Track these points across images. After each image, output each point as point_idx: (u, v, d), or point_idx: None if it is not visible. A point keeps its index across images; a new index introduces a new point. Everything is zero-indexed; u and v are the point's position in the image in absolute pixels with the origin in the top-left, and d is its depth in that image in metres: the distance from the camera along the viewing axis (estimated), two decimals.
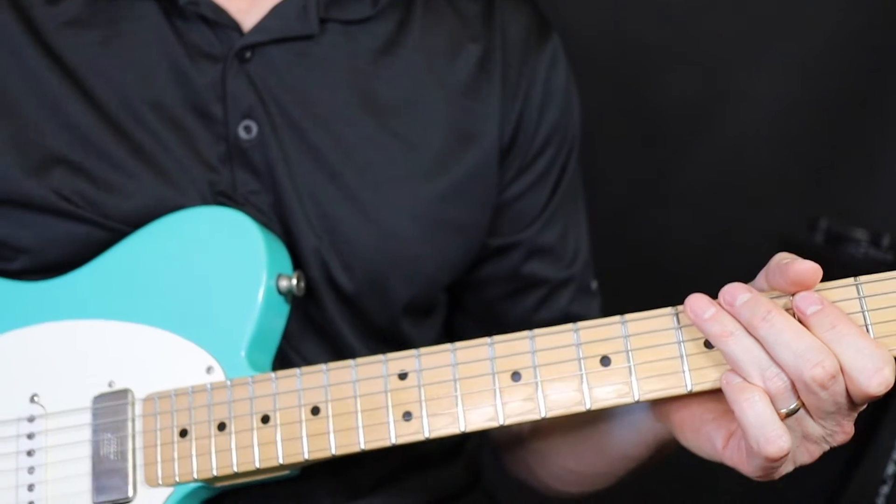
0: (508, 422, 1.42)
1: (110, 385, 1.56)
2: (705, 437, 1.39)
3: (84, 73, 1.63)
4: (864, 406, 1.33)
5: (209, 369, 1.54)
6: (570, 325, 1.42)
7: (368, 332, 1.70)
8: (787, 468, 1.36)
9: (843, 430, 1.34)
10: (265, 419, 1.49)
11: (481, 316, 1.84)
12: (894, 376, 1.29)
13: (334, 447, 1.46)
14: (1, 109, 1.63)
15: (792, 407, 1.30)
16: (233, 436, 1.49)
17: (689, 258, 2.75)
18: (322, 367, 1.49)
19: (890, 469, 2.47)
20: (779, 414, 1.30)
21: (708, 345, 1.37)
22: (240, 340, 1.55)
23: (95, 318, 1.60)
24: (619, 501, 2.03)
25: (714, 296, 1.35)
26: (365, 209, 1.66)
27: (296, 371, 1.49)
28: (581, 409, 1.40)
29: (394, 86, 1.71)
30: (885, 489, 2.47)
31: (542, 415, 1.41)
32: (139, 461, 1.52)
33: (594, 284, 1.90)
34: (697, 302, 1.34)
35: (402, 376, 1.46)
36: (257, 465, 1.48)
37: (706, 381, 1.36)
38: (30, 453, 1.56)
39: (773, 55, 2.73)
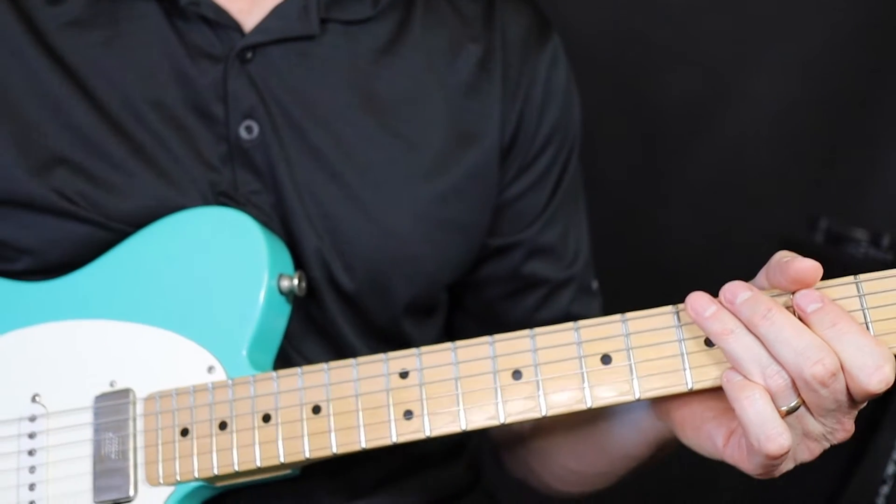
0: (509, 420, 1.42)
1: (112, 385, 1.56)
2: (706, 436, 1.39)
3: (85, 73, 1.64)
4: (865, 404, 1.33)
5: (210, 369, 1.54)
6: (570, 324, 1.42)
7: (370, 331, 1.70)
8: (788, 466, 1.36)
9: (844, 428, 1.34)
10: (266, 418, 1.49)
11: (482, 316, 1.84)
12: (895, 374, 1.29)
13: (335, 446, 1.46)
14: (2, 110, 1.63)
15: (792, 405, 1.31)
16: (234, 434, 1.49)
17: (689, 258, 2.75)
18: (323, 366, 1.49)
19: (890, 469, 2.47)
20: (779, 412, 1.30)
21: (708, 343, 1.37)
22: (241, 340, 1.56)
23: (97, 318, 1.60)
24: (620, 501, 2.03)
25: (715, 295, 1.35)
26: (366, 209, 1.66)
27: (297, 370, 1.50)
28: (582, 407, 1.40)
29: (394, 86, 1.71)
30: (885, 489, 2.48)
31: (543, 413, 1.41)
32: (140, 460, 1.52)
33: (595, 284, 1.90)
34: (698, 300, 1.34)
35: (403, 375, 1.46)
36: (258, 463, 1.48)
37: (707, 379, 1.37)
38: (31, 453, 1.56)
39: (773, 55, 2.73)
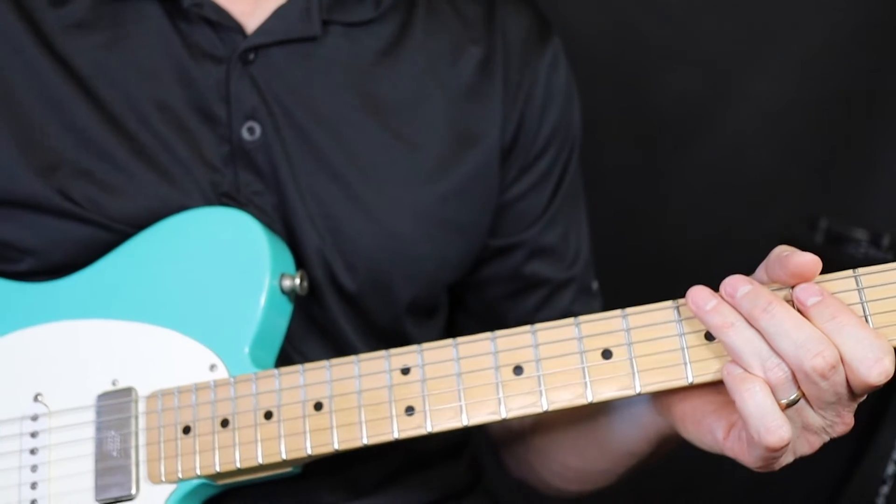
0: (511, 415, 1.42)
1: (114, 383, 1.56)
2: (706, 429, 1.40)
3: (89, 74, 1.64)
4: (864, 397, 1.33)
5: (212, 367, 1.54)
6: (571, 320, 1.42)
7: (371, 332, 1.71)
8: (788, 459, 1.36)
9: (843, 421, 1.34)
10: (268, 415, 1.49)
11: (483, 316, 1.84)
12: (894, 366, 1.30)
13: (337, 442, 1.47)
14: (7, 111, 1.63)
15: (792, 397, 1.31)
16: (236, 432, 1.50)
17: (689, 258, 2.75)
18: (325, 363, 1.49)
19: (890, 469, 2.47)
20: (779, 404, 1.30)
21: (709, 337, 1.37)
22: (243, 338, 1.56)
23: (98, 317, 1.60)
24: (620, 500, 2.03)
25: (715, 290, 1.36)
26: (367, 209, 1.67)
27: (299, 367, 1.50)
28: (583, 402, 1.41)
29: (396, 87, 1.72)
30: (885, 489, 2.48)
31: (544, 408, 1.41)
32: (142, 458, 1.52)
33: (595, 285, 1.90)
34: (699, 294, 1.35)
35: (405, 371, 1.46)
36: (260, 460, 1.48)
37: (707, 372, 1.37)
38: (33, 451, 1.56)
39: (773, 55, 2.73)
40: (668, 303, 1.39)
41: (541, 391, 1.42)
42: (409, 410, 1.46)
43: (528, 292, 1.84)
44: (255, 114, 1.65)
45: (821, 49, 2.71)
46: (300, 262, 1.65)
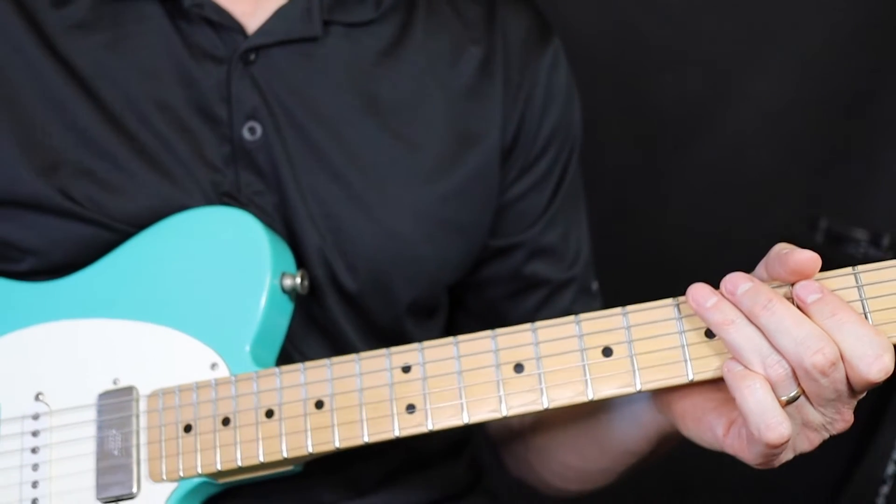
0: (511, 413, 1.42)
1: (115, 382, 1.56)
2: (707, 426, 1.40)
3: (90, 75, 1.64)
4: (864, 394, 1.33)
5: (213, 366, 1.55)
6: (571, 317, 1.43)
7: (371, 332, 1.71)
8: (787, 456, 1.36)
9: (843, 418, 1.34)
10: (269, 413, 1.49)
11: (483, 316, 1.84)
12: (894, 363, 1.30)
13: (338, 440, 1.47)
14: (8, 111, 1.64)
15: (792, 394, 1.31)
16: (237, 430, 1.50)
17: (689, 258, 2.75)
18: (326, 361, 1.50)
19: (890, 469, 2.48)
20: (779, 401, 1.31)
21: (709, 334, 1.37)
22: (244, 337, 1.56)
23: (99, 316, 1.60)
24: (620, 500, 2.03)
25: (715, 288, 1.36)
26: (368, 209, 1.67)
27: (300, 366, 1.50)
28: (583, 399, 1.41)
29: (396, 88, 1.72)
30: (885, 489, 2.48)
31: (545, 406, 1.42)
32: (143, 456, 1.53)
33: (595, 285, 1.91)
34: (699, 291, 1.35)
35: (406, 369, 1.47)
36: (261, 458, 1.49)
37: (707, 370, 1.37)
38: (34, 450, 1.56)
39: (773, 55, 2.73)
40: (669, 300, 1.40)
41: (541, 389, 1.42)
42: (410, 408, 1.46)
43: (528, 292, 1.84)
44: (256, 114, 1.65)
45: (821, 49, 2.71)
46: (301, 262, 1.65)
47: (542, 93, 1.79)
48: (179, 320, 1.58)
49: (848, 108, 2.74)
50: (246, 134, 1.65)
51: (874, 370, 1.28)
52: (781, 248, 1.34)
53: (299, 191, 1.65)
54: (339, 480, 1.69)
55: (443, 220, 1.71)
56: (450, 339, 1.46)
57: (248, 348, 1.55)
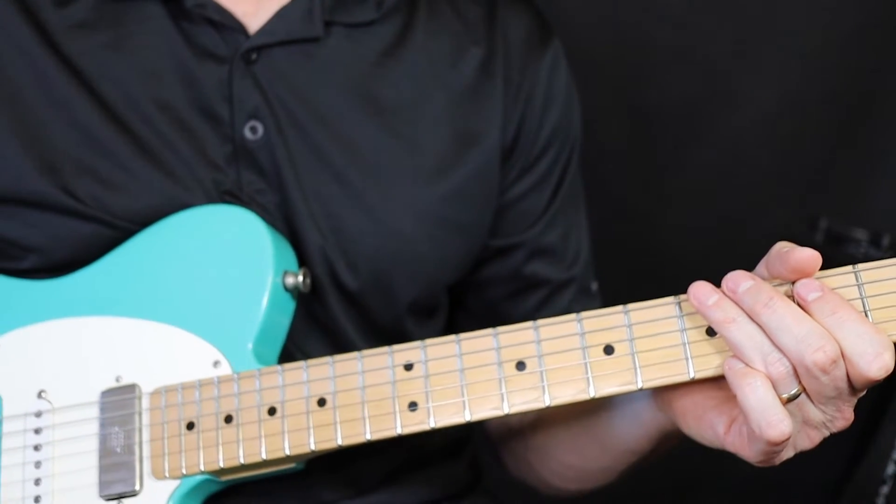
0: (513, 411, 1.43)
1: (117, 380, 1.57)
2: (707, 424, 1.40)
3: (92, 74, 1.65)
4: (864, 392, 1.34)
5: (216, 363, 1.55)
6: (573, 315, 1.43)
7: (372, 331, 1.71)
8: (788, 454, 1.37)
9: (843, 416, 1.35)
10: (272, 411, 1.50)
11: (483, 316, 1.84)
12: (894, 361, 1.30)
13: (340, 438, 1.47)
14: (11, 110, 1.64)
15: (793, 392, 1.32)
16: (239, 428, 1.50)
17: (689, 258, 2.75)
18: (328, 359, 1.50)
19: (890, 469, 2.48)
20: (780, 399, 1.31)
21: (710, 332, 1.38)
22: (246, 335, 1.56)
23: (102, 314, 1.60)
24: (620, 500, 2.04)
25: (717, 286, 1.36)
26: (369, 209, 1.68)
27: (302, 364, 1.51)
28: (585, 397, 1.41)
29: (397, 88, 1.72)
30: (885, 489, 2.48)
31: (547, 404, 1.42)
32: (146, 454, 1.53)
33: (595, 286, 1.91)
34: (701, 289, 1.36)
35: (408, 367, 1.47)
36: (264, 456, 1.49)
37: (708, 367, 1.38)
38: (37, 448, 1.56)
39: (773, 55, 2.73)
40: (670, 298, 1.40)
41: (543, 387, 1.42)
42: (413, 406, 1.46)
43: (527, 293, 1.84)
44: (258, 113, 1.66)
45: (821, 49, 2.71)
46: (302, 261, 1.65)
47: (543, 93, 1.80)
48: (182, 318, 1.58)
49: (848, 108, 2.74)
50: (247, 133, 1.65)
51: (874, 368, 1.29)
52: (782, 247, 1.35)
53: (301, 190, 1.65)
54: (340, 479, 1.70)
55: (443, 219, 1.71)
56: (452, 336, 1.46)
57: (250, 346, 1.56)
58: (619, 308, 1.42)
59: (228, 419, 1.51)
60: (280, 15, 1.68)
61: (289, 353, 1.63)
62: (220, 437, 1.51)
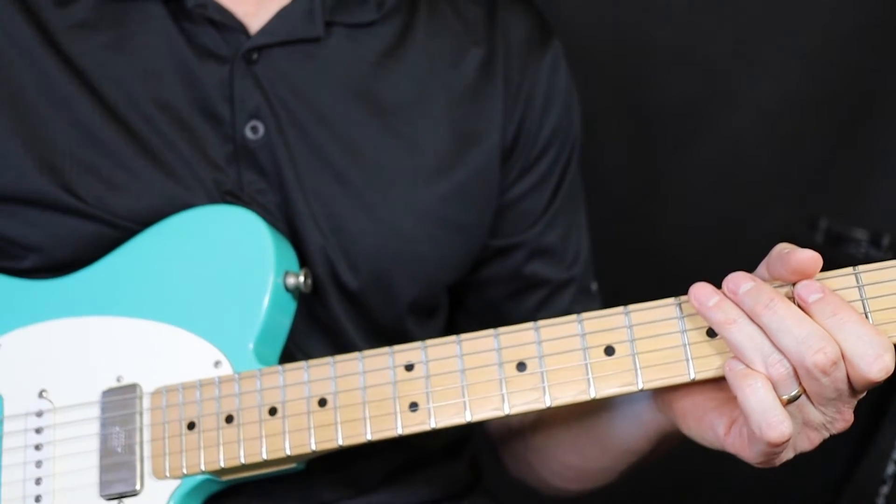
0: (514, 411, 1.43)
1: (118, 380, 1.57)
2: (708, 425, 1.40)
3: (93, 74, 1.65)
4: (864, 393, 1.34)
5: (217, 363, 1.55)
6: (574, 316, 1.43)
7: (372, 331, 1.72)
8: (788, 455, 1.37)
9: (844, 418, 1.35)
10: (272, 411, 1.50)
11: (483, 316, 1.84)
12: (894, 363, 1.30)
13: (341, 438, 1.47)
14: (13, 109, 1.64)
15: (794, 393, 1.32)
16: (240, 428, 1.50)
17: (689, 258, 2.75)
18: (329, 359, 1.50)
19: (890, 469, 2.48)
20: (781, 400, 1.31)
21: (710, 333, 1.38)
22: (248, 335, 1.57)
23: (103, 314, 1.61)
24: (620, 500, 2.04)
25: (717, 287, 1.36)
26: (370, 208, 1.68)
27: (303, 364, 1.51)
28: (585, 398, 1.41)
29: (398, 88, 1.73)
30: (885, 489, 2.48)
31: (547, 404, 1.42)
32: (147, 454, 1.53)
33: (594, 286, 1.91)
34: (701, 290, 1.36)
35: (409, 368, 1.47)
36: (264, 456, 1.49)
37: (709, 369, 1.38)
38: (38, 447, 1.57)
39: (773, 55, 2.73)
40: (671, 300, 1.40)
41: (544, 387, 1.43)
42: (413, 406, 1.46)
43: (527, 293, 1.84)
44: (259, 113, 1.66)
45: (821, 49, 2.71)
46: (303, 261, 1.65)
47: (543, 94, 1.80)
48: (183, 318, 1.58)
49: (848, 108, 2.74)
50: (248, 133, 1.66)
51: (875, 369, 1.29)
52: (783, 248, 1.35)
53: (301, 190, 1.66)
54: (340, 479, 1.70)
55: (443, 219, 1.71)
56: (453, 337, 1.46)
57: (251, 346, 1.56)
58: (620, 309, 1.42)
59: (229, 419, 1.51)
60: (281, 15, 1.68)
61: (290, 354, 1.63)
62: (220, 436, 1.51)
